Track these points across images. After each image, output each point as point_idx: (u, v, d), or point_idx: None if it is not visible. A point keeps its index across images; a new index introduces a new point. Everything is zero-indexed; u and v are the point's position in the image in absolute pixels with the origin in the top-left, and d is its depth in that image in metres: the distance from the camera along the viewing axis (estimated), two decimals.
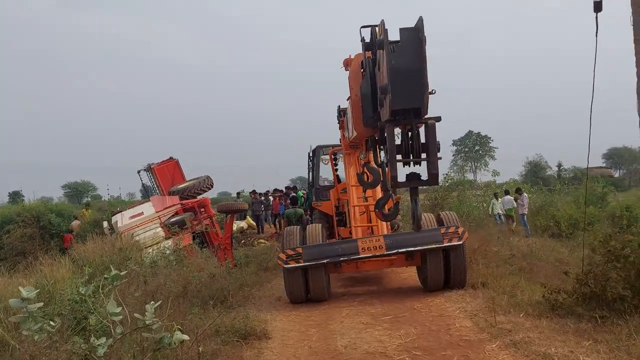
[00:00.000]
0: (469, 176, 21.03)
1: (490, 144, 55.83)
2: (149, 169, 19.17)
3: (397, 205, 5.02)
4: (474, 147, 61.54)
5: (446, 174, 20.21)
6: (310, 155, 13.29)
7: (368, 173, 7.10)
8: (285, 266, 7.84)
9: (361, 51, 4.39)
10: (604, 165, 59.96)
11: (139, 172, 19.53)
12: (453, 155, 54.15)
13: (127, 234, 14.89)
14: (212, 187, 18.07)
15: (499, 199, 18.15)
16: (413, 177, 3.55)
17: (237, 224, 21.29)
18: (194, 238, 14.24)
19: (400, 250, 7.78)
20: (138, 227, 15.04)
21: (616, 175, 50.31)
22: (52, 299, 7.68)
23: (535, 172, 42.62)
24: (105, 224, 17.49)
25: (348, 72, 4.88)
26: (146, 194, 20.49)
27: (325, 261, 7.81)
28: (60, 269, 9.73)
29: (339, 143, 10.49)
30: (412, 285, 9.00)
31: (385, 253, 7.77)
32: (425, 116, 3.39)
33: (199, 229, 14.26)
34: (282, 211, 20.54)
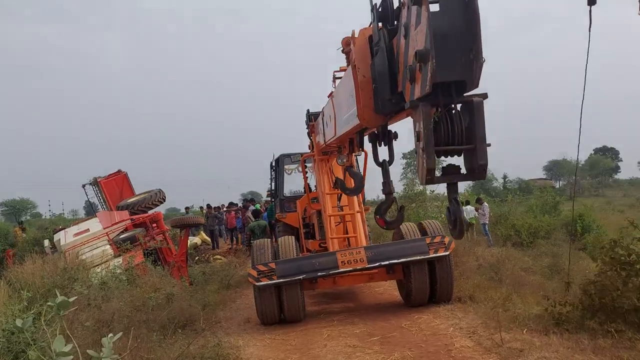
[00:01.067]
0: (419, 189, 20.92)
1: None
2: (95, 182, 17.66)
3: (402, 212, 4.27)
4: None
5: (405, 185, 19.79)
6: (273, 164, 12.42)
7: (350, 178, 6.37)
8: (257, 283, 6.93)
9: (365, 27, 3.67)
10: (544, 177, 62.34)
11: (84, 186, 18.01)
12: (403, 168, 54.53)
13: (71, 253, 13.48)
14: (164, 200, 16.82)
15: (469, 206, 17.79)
16: (452, 171, 2.80)
17: (191, 240, 19.95)
18: (145, 256, 12.99)
19: (382, 263, 7.04)
20: (84, 244, 13.64)
21: (557, 186, 52.26)
22: None
23: (482, 183, 43.41)
24: (46, 242, 15.93)
25: (349, 52, 4.11)
26: (91, 210, 18.88)
27: (301, 277, 6.96)
28: None
29: (299, 152, 9.73)
30: (392, 300, 8.27)
31: (367, 266, 7.01)
32: (469, 93, 2.68)
33: (152, 246, 13.02)
34: (238, 225, 19.45)
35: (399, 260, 7.01)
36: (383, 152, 4.42)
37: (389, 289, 9.04)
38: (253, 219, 17.35)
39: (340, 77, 6.00)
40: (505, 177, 41.85)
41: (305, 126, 9.22)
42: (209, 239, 21.28)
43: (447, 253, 7.05)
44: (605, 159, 66.44)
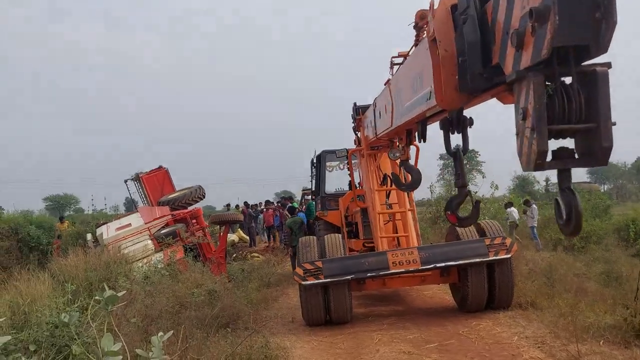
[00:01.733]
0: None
1: (477, 158, 55.13)
2: (137, 178, 17.69)
3: (478, 206, 3.81)
4: None
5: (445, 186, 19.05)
6: (315, 161, 12.05)
7: (406, 173, 5.92)
8: (303, 282, 6.56)
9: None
10: (588, 180, 60.00)
11: (126, 181, 18.04)
12: (440, 169, 53.14)
13: (113, 247, 13.48)
14: (204, 197, 16.65)
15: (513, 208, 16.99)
16: (565, 155, 2.34)
17: (228, 237, 19.83)
18: (185, 251, 12.84)
19: (438, 265, 6.56)
20: (125, 239, 13.62)
21: (602, 190, 50.22)
22: (27, 322, 6.28)
23: (522, 186, 41.96)
24: (89, 236, 16.02)
25: (424, 27, 3.67)
26: (131, 206, 18.97)
27: (349, 277, 6.56)
28: (39, 285, 8.31)
29: (343, 147, 9.30)
30: (444, 304, 7.77)
31: (421, 268, 6.54)
32: (590, 62, 2.22)
33: (193, 241, 12.86)
34: (276, 223, 19.19)
35: (456, 263, 6.52)
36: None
37: (438, 292, 8.53)
38: (289, 216, 17.09)
39: (398, 63, 5.57)
40: (547, 180, 40.31)
41: (352, 120, 8.82)
42: (246, 237, 21.13)
43: (508, 256, 6.52)
44: None
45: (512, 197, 22.46)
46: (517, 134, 2.44)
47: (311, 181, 12.38)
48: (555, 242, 15.61)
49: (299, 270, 6.59)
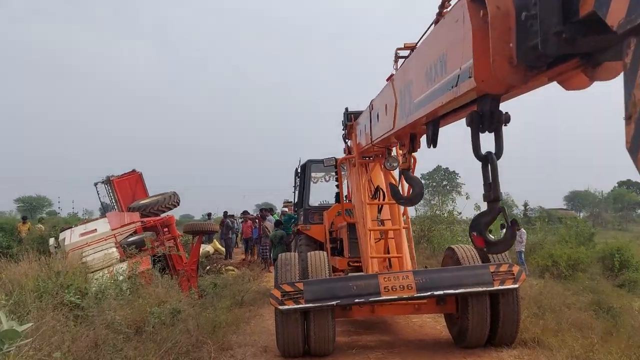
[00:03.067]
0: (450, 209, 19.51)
1: (458, 180, 54.82)
2: (108, 181, 16.49)
3: (515, 227, 2.90)
4: (442, 182, 60.19)
5: (433, 204, 18.27)
6: (299, 171, 11.10)
7: (406, 184, 5.01)
8: (280, 307, 5.55)
9: None
10: (565, 207, 59.95)
11: (96, 184, 16.85)
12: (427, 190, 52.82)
13: (74, 254, 12.25)
14: (179, 204, 15.54)
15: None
16: None
17: (203, 248, 18.64)
18: (153, 262, 11.69)
19: (435, 293, 5.63)
20: (89, 245, 12.41)
21: (578, 217, 50.24)
22: None
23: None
24: (51, 240, 14.73)
25: None
26: (104, 210, 17.73)
27: (334, 303, 5.58)
28: None
29: (331, 156, 8.37)
30: (436, 336, 6.84)
31: (416, 295, 5.60)
32: None
33: (161, 252, 11.70)
34: (254, 236, 18.11)
35: (457, 291, 5.60)
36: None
37: (428, 321, 7.60)
38: (269, 230, 16.04)
39: (404, 56, 4.69)
40: (526, 204, 39.99)
41: (342, 127, 7.92)
42: (222, 248, 19.96)
43: (516, 286, 5.63)
44: (630, 192, 63.66)
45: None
46: (630, 117, 1.53)
47: (294, 192, 11.43)
48: (542, 268, 14.88)
49: (276, 293, 5.59)
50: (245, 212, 22.62)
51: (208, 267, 16.32)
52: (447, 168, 57.63)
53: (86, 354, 4.96)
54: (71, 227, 15.03)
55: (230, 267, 16.14)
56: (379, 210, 7.02)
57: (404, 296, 5.58)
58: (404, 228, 6.52)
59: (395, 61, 4.78)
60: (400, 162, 5.01)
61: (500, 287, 5.56)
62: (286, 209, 18.47)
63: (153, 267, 11.36)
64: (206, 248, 19.49)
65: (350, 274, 6.61)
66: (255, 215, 20.34)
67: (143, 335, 6.64)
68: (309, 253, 6.35)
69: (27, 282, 7.62)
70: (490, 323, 5.78)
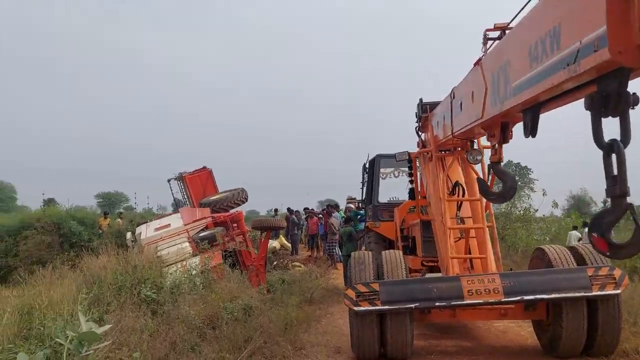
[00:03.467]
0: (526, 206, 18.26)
1: (530, 176, 51.96)
2: (180, 178, 16.92)
3: None
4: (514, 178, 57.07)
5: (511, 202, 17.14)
6: (367, 166, 10.77)
7: (497, 178, 4.58)
8: (355, 308, 5.28)
9: None
10: None
11: (169, 180, 17.30)
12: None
13: (149, 248, 12.62)
14: (247, 200, 15.67)
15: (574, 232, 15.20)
16: None
17: (270, 244, 18.78)
18: (224, 257, 11.81)
19: (525, 298, 5.14)
20: (163, 240, 12.74)
21: None
22: (30, 335, 5.31)
23: (578, 207, 39.08)
24: (128, 235, 15.29)
25: None
26: (177, 206, 18.26)
27: (412, 306, 5.23)
28: (60, 287, 7.42)
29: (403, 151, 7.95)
30: (522, 343, 6.31)
31: (503, 300, 5.15)
32: None
33: (231, 247, 11.80)
34: (320, 232, 17.98)
35: (550, 296, 5.08)
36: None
37: (512, 327, 7.06)
38: (335, 227, 15.84)
39: (494, 38, 4.26)
40: (605, 202, 37.36)
41: (416, 119, 7.52)
42: (288, 244, 20.03)
43: (618, 291, 5.03)
44: None
45: (575, 219, 20.33)
46: None
47: (361, 188, 11.11)
48: (630, 269, 13.62)
49: (350, 293, 5.32)
50: (305, 209, 22.57)
51: (275, 263, 16.40)
52: (518, 163, 54.84)
53: (165, 354, 4.92)
54: (147, 222, 15.57)
55: (297, 263, 16.11)
56: (458, 208, 6.57)
57: (490, 301, 5.15)
58: (487, 227, 6.04)
59: (484, 43, 4.36)
60: (490, 155, 4.58)
61: (600, 293, 4.99)
62: (351, 205, 18.21)
63: (224, 262, 11.48)
64: (273, 244, 19.64)
65: (428, 275, 6.23)
66: (320, 211, 20.25)
67: (217, 331, 6.62)
68: (383, 252, 6.02)
69: (106, 275, 7.84)
70: (587, 331, 5.21)
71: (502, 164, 4.44)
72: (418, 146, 7.67)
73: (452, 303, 5.20)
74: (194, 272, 9.34)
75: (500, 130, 4.22)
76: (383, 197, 10.31)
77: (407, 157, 7.69)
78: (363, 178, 11.01)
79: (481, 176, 6.17)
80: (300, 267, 15.62)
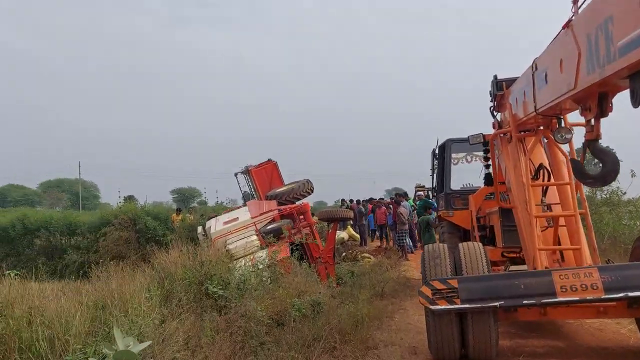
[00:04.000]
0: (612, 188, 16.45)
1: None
2: (247, 171, 17.02)
3: None
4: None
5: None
6: (437, 152, 10.15)
7: (595, 158, 3.94)
8: (432, 307, 4.81)
9: None
10: None
11: (236, 174, 17.46)
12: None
13: (219, 242, 12.72)
14: (312, 191, 15.47)
15: None
16: None
17: (338, 235, 18.50)
18: (291, 250, 11.65)
19: (630, 294, 4.45)
20: (231, 233, 12.81)
21: None
22: (98, 331, 5.30)
23: None
24: (199, 229, 15.59)
25: None
26: (245, 199, 18.44)
27: (497, 304, 4.69)
28: (131, 283, 7.51)
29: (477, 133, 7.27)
30: (623, 342, 5.58)
31: (603, 297, 4.48)
32: None
33: (297, 240, 11.61)
34: (389, 222, 17.47)
35: None
36: None
37: (609, 324, 6.28)
38: (404, 216, 15.27)
39: None
40: None
41: (490, 98, 6.86)
42: (357, 235, 19.67)
43: None
44: None
45: None
46: None
47: (432, 175, 10.49)
48: None
49: (426, 290, 4.86)
50: (371, 199, 22.03)
51: (344, 254, 16.09)
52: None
53: (232, 352, 4.73)
54: (216, 216, 15.79)
55: (366, 255, 15.71)
56: (544, 193, 5.88)
57: (588, 298, 4.50)
58: (580, 214, 5.33)
59: (574, 2, 3.72)
60: (584, 132, 3.94)
61: None
62: (421, 193, 17.52)
63: (291, 255, 11.33)
64: (341, 235, 19.36)
65: (513, 269, 5.62)
66: (389, 200, 19.70)
67: (285, 328, 6.40)
68: (460, 245, 5.48)
69: (176, 270, 7.84)
70: None
71: (599, 141, 3.80)
72: (494, 127, 7.01)
73: (543, 301, 4.60)
74: (260, 266, 9.22)
75: (597, 102, 3.59)
76: (455, 184, 9.67)
77: (482, 140, 7.04)
78: (433, 165, 10.40)
79: (568, 157, 5.48)
80: (370, 258, 15.22)
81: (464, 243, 5.51)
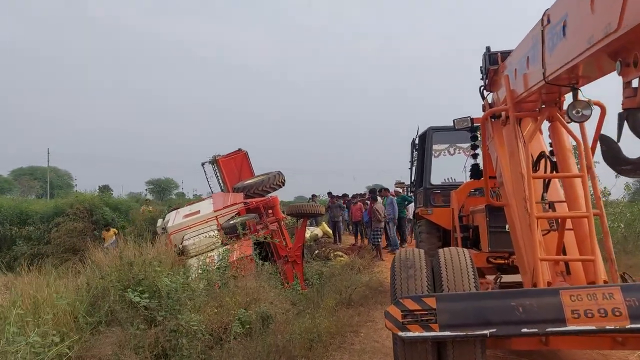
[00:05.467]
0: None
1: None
2: (214, 161, 15.61)
3: None
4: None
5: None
6: (416, 142, 8.94)
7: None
8: (402, 334, 3.56)
9: None
10: None
11: (203, 164, 16.01)
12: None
13: (176, 237, 11.39)
14: (284, 184, 14.18)
15: None
16: None
17: (311, 231, 17.23)
18: (260, 248, 10.39)
19: None
20: (189, 228, 11.48)
21: None
22: None
23: None
24: (159, 222, 14.21)
25: None
26: (212, 192, 17.00)
27: (486, 332, 3.46)
28: (45, 287, 6.19)
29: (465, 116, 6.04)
30: None
31: (628, 327, 3.29)
32: None
33: (254, 238, 10.28)
34: (365, 219, 16.28)
35: None
36: None
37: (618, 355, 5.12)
38: (380, 213, 14.06)
39: None
40: None
41: (481, 75, 5.66)
42: (330, 231, 18.43)
43: None
44: None
45: None
46: None
47: (410, 168, 9.28)
48: None
49: (395, 312, 3.61)
50: (344, 195, 20.69)
51: (317, 252, 14.84)
52: None
53: None
54: (178, 208, 14.42)
55: (339, 253, 14.48)
56: (545, 188, 4.68)
57: (609, 327, 3.31)
58: (594, 215, 4.13)
59: None
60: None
61: None
62: (399, 190, 16.38)
63: (255, 254, 10.08)
64: (315, 231, 18.11)
65: (506, 282, 4.43)
66: (365, 196, 18.48)
67: (225, 346, 5.15)
68: (441, 251, 4.26)
69: (111, 271, 6.51)
70: None
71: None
72: (484, 110, 5.81)
73: (549, 330, 3.40)
74: (210, 266, 7.93)
75: (632, 60, 2.39)
76: (436, 178, 8.47)
77: (470, 125, 5.82)
78: (412, 157, 9.18)
79: (582, 143, 4.29)
80: (343, 257, 14.01)
81: (445, 249, 4.28)
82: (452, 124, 6.01)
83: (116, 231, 14.77)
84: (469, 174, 6.36)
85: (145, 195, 40.49)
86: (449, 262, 4.01)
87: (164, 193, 53.56)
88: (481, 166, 5.96)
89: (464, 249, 4.33)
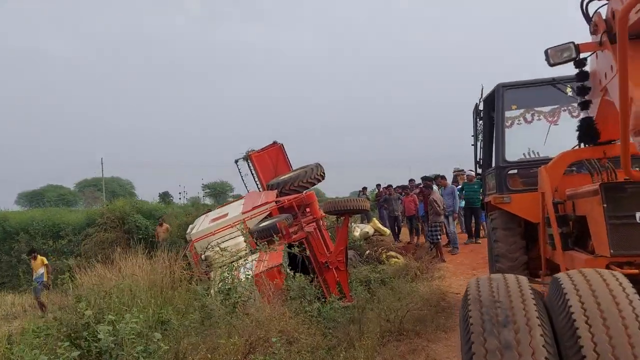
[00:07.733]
0: None
1: None
2: (248, 157, 13.82)
3: None
4: None
5: None
6: (480, 108, 6.65)
7: None
8: None
9: None
10: None
11: (236, 161, 14.22)
12: None
13: (199, 245, 9.75)
14: (323, 178, 12.20)
15: None
16: None
17: (361, 229, 15.08)
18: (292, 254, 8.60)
19: None
20: (214, 234, 9.81)
21: None
22: None
23: None
24: (189, 228, 12.61)
25: None
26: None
27: None
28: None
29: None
30: None
31: None
32: None
33: (291, 246, 8.44)
34: (420, 213, 13.96)
35: None
36: None
37: None
38: (439, 204, 11.65)
39: None
40: None
41: None
42: (384, 229, 16.08)
43: None
44: None
45: None
46: None
47: (474, 144, 6.95)
48: None
49: None
50: (389, 186, 17.98)
51: (367, 252, 12.76)
52: None
53: None
54: (209, 211, 12.86)
55: (393, 254, 12.30)
56: None
57: None
58: None
59: None
60: None
61: None
62: (473, 173, 13.72)
63: (290, 262, 8.28)
64: (365, 229, 15.91)
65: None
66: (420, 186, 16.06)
67: None
68: (564, 276, 2.11)
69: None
70: None
71: None
72: (594, 33, 3.50)
73: None
74: (243, 277, 6.14)
75: None
76: (512, 154, 6.09)
77: (575, 55, 3.53)
78: (475, 128, 6.88)
79: None
80: (398, 259, 11.85)
81: (576, 272, 2.10)
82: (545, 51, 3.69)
83: (44, 260, 12.35)
84: (578, 134, 4.03)
85: (203, 199, 39.76)
86: (593, 308, 1.83)
87: (220, 196, 53.06)
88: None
89: (612, 272, 2.13)
